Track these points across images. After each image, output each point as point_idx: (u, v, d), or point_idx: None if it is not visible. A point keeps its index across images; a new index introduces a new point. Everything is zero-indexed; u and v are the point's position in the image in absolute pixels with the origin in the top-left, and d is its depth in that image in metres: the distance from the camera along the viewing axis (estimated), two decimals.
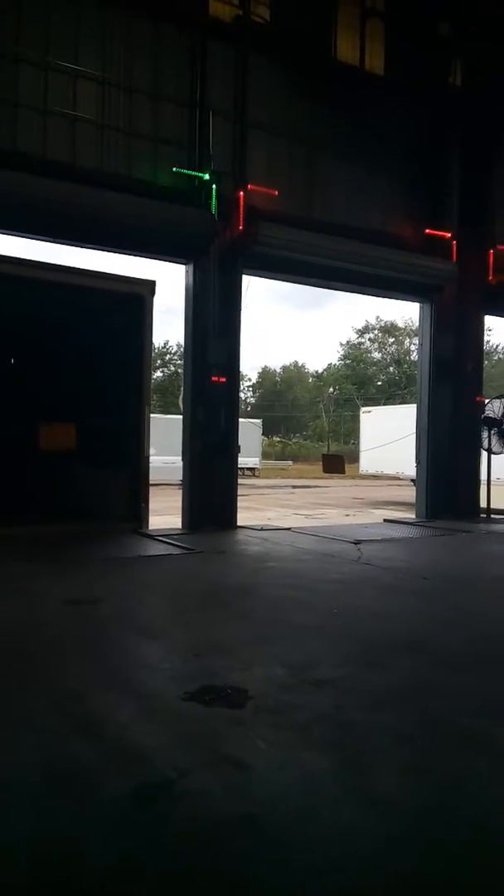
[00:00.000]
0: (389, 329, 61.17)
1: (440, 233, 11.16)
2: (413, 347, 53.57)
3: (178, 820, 2.15)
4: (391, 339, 61.72)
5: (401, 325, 59.74)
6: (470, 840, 2.11)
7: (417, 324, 12.24)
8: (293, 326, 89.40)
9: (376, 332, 62.35)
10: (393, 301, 12.68)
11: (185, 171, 9.10)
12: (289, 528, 9.82)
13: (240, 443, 9.86)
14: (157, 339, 55.91)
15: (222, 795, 2.29)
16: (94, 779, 2.38)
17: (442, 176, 11.39)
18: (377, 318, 62.12)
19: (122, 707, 3.04)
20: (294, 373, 71.80)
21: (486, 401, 11.66)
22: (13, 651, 3.88)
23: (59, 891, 1.83)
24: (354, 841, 2.06)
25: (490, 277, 11.37)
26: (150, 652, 3.95)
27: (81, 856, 1.96)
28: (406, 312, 67.61)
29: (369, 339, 63.12)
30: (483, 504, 11.56)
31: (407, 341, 58.86)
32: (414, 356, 52.79)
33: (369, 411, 23.63)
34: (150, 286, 9.12)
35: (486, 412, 11.48)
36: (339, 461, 20.27)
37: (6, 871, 1.91)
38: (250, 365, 70.02)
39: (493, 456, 11.54)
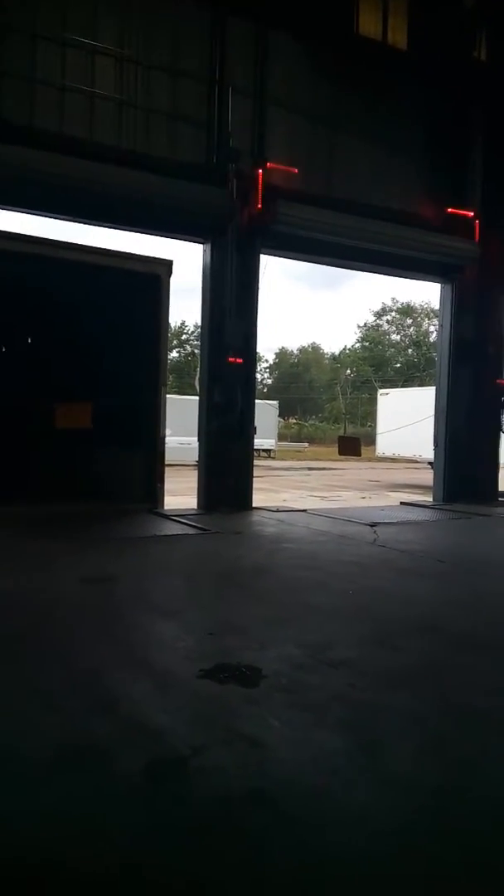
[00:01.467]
0: (407, 310, 60.59)
1: (462, 212, 10.97)
2: (432, 329, 53.06)
3: (193, 796, 2.17)
4: (409, 321, 61.16)
5: (417, 306, 59.23)
6: (485, 820, 2.11)
7: (435, 305, 12.10)
8: (308, 307, 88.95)
9: (394, 313, 61.81)
10: (411, 282, 12.51)
11: (204, 149, 9.00)
12: (304, 510, 9.82)
13: (256, 424, 9.84)
14: (174, 319, 55.84)
15: (237, 773, 2.30)
16: (110, 755, 2.40)
17: (464, 153, 11.18)
18: (393, 299, 61.57)
19: (137, 684, 3.06)
20: (311, 354, 71.44)
21: None
22: (30, 628, 3.91)
23: (73, 867, 1.84)
24: (369, 820, 2.07)
25: None
26: (165, 630, 3.97)
27: (96, 832, 1.98)
28: (423, 294, 66.96)
29: (387, 321, 62.60)
30: (502, 487, 11.47)
31: (426, 323, 58.29)
32: (433, 338, 52.32)
33: (387, 393, 23.50)
34: (167, 266, 9.07)
35: None
36: (356, 443, 20.13)
37: (21, 846, 1.93)
38: (267, 346, 69.89)
39: None
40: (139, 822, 2.02)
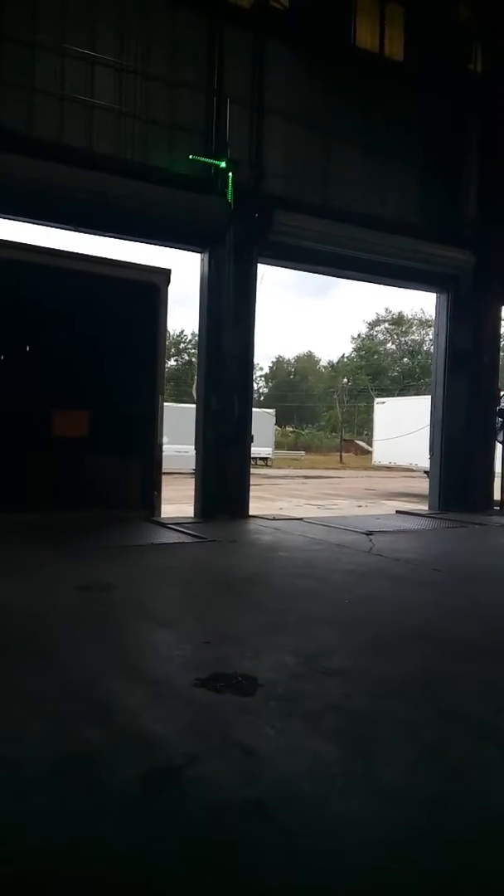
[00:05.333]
0: (400, 321, 60.85)
1: (457, 222, 11.04)
2: (428, 338, 53.23)
3: (188, 806, 2.17)
4: (402, 330, 61.37)
5: (410, 316, 59.55)
6: (480, 831, 2.11)
7: (428, 314, 12.16)
8: (299, 315, 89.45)
9: (387, 324, 62.04)
10: (405, 291, 12.56)
11: (202, 159, 9.05)
12: (301, 519, 9.82)
13: (253, 432, 9.85)
14: (172, 328, 55.92)
15: (232, 782, 2.30)
16: (104, 764, 2.40)
17: (460, 164, 11.26)
18: (386, 309, 61.86)
19: (132, 693, 3.06)
20: (307, 363, 71.67)
21: (502, 393, 11.57)
22: (26, 636, 3.91)
23: (66, 877, 1.84)
24: (364, 830, 2.07)
25: None
26: (161, 639, 3.97)
27: (90, 842, 1.98)
28: (415, 303, 67.30)
29: (384, 329, 62.77)
30: (497, 497, 11.49)
31: (421, 332, 58.51)
32: (426, 347, 52.50)
33: (383, 402, 23.53)
34: (165, 275, 9.10)
35: (502, 404, 11.40)
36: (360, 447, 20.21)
37: (14, 856, 1.93)
38: (264, 354, 70.09)
39: None
40: (132, 832, 2.02)
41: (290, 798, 2.21)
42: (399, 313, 60.52)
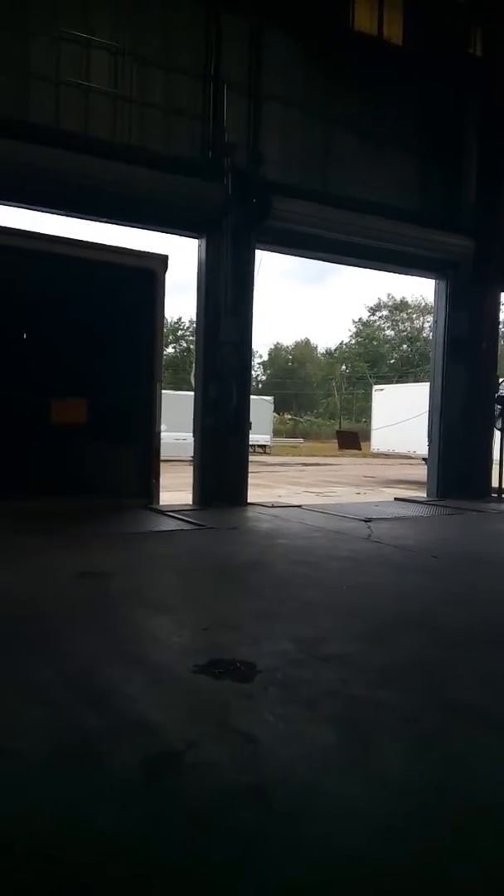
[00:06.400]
0: (401, 306, 60.63)
1: (457, 207, 10.97)
2: (426, 325, 53.09)
3: (187, 792, 2.18)
4: (403, 316, 61.15)
5: (411, 302, 59.32)
6: (475, 816, 2.12)
7: (429, 301, 12.11)
8: (297, 302, 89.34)
9: (387, 311, 61.80)
10: (405, 277, 12.50)
11: (199, 144, 8.97)
12: (299, 506, 9.83)
13: (251, 420, 9.83)
14: (171, 315, 55.71)
15: (230, 768, 2.31)
16: (104, 750, 2.41)
17: (460, 150, 11.18)
18: (388, 295, 61.61)
19: (131, 679, 3.06)
20: (305, 350, 71.48)
21: (501, 379, 11.55)
22: (24, 623, 3.91)
23: (67, 863, 1.85)
24: (361, 815, 2.08)
25: None
26: (159, 626, 3.97)
27: (90, 828, 1.99)
28: (416, 290, 67.04)
29: (381, 318, 62.53)
30: (495, 484, 11.50)
31: (420, 319, 58.32)
32: (426, 333, 52.34)
33: (382, 389, 23.46)
34: (162, 261, 9.04)
35: (501, 391, 11.37)
36: (354, 437, 20.17)
37: (13, 844, 1.94)
38: (262, 341, 69.89)
39: None
40: (132, 818, 2.03)
41: (288, 784, 2.22)
42: (401, 299, 60.32)
